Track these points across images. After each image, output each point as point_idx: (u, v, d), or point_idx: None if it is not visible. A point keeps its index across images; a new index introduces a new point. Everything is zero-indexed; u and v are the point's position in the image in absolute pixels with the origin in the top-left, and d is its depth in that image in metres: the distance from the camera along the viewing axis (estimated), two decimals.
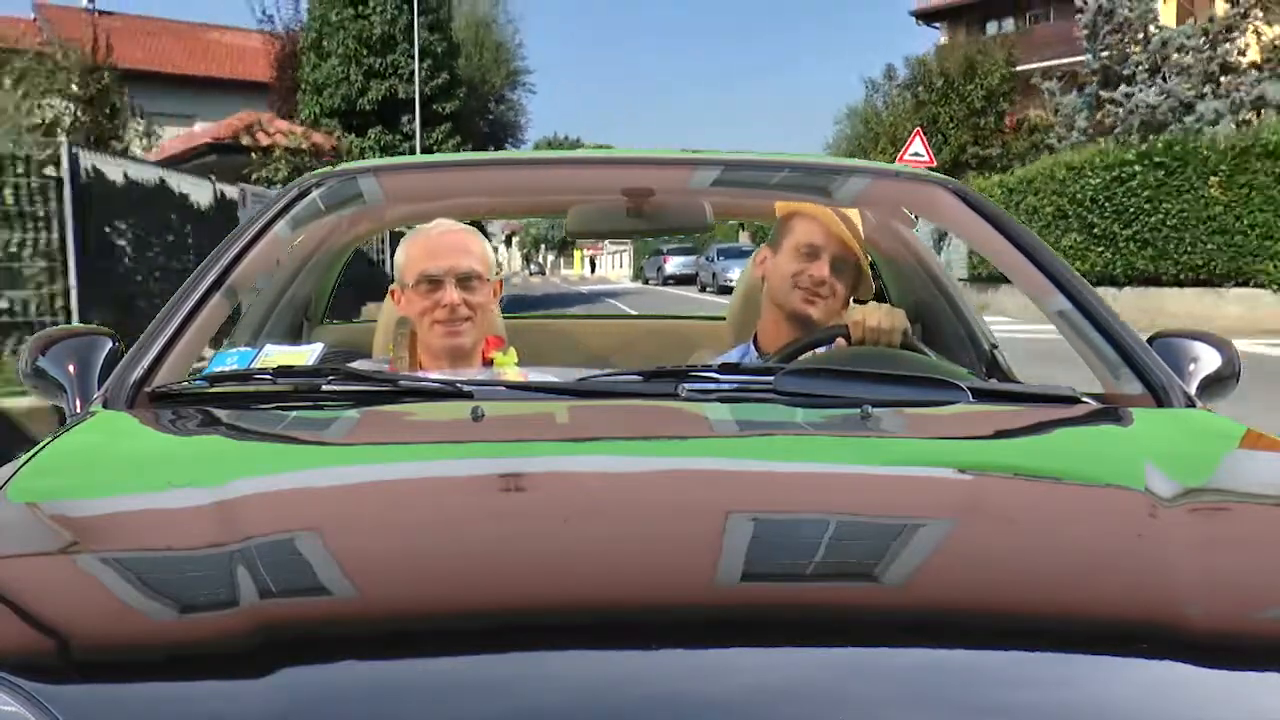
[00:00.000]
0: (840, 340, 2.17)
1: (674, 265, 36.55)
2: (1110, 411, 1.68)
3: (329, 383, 1.66)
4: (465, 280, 2.12)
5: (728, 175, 2.63)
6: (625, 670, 0.92)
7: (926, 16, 40.06)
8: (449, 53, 25.24)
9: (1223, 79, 22.38)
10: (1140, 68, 23.17)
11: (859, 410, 1.57)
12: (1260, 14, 22.00)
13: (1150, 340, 1.91)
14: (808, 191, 2.55)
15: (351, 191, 2.44)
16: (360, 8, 23.07)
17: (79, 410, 1.78)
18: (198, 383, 1.72)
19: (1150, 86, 22.70)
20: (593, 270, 55.23)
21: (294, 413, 1.65)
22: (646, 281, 39.74)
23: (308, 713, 0.87)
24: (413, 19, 22.98)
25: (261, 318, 2.64)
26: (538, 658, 0.95)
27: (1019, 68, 31.84)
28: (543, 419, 1.63)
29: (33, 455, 1.43)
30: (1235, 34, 22.54)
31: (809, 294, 2.31)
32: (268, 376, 1.70)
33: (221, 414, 1.62)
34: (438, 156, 2.79)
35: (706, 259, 31.84)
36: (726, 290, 27.97)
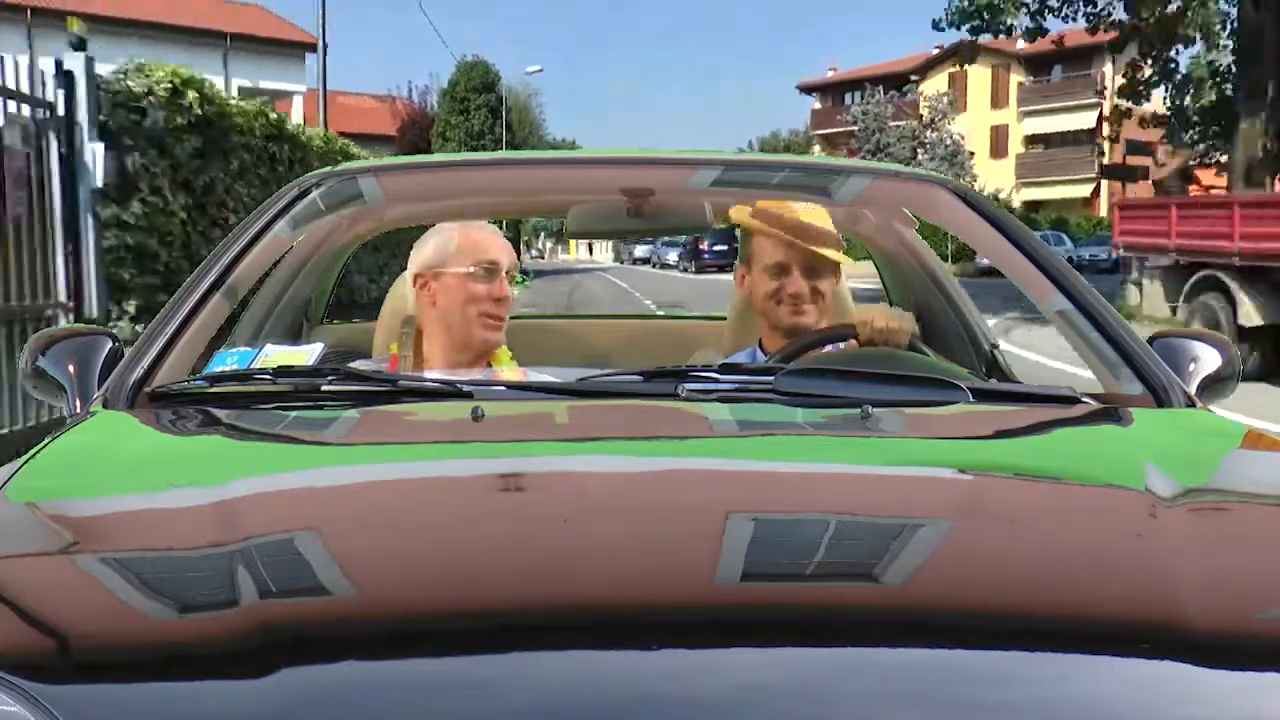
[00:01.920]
0: (852, 341, 2.17)
1: (640, 251, 54.39)
2: (1110, 411, 1.68)
3: (329, 383, 1.66)
4: (510, 275, 2.17)
5: (728, 175, 2.63)
6: (624, 670, 0.92)
7: (806, 89, 64.63)
8: (511, 138, 42.95)
9: (912, 161, 41.46)
10: (868, 151, 44.54)
11: (859, 410, 1.57)
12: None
13: (1150, 340, 1.91)
14: (808, 191, 2.55)
15: (351, 191, 2.44)
16: (466, 116, 40.59)
17: (79, 410, 1.78)
18: (198, 383, 1.72)
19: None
20: (590, 253, 70.62)
21: (294, 413, 1.65)
22: (622, 262, 58.31)
23: (307, 712, 0.87)
24: (494, 122, 40.90)
25: (261, 318, 2.64)
26: (538, 658, 0.95)
27: (834, 130, 57.70)
28: (543, 419, 1.63)
29: (32, 455, 1.43)
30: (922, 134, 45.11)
31: (793, 308, 2.32)
32: (268, 376, 1.70)
33: (221, 414, 1.62)
34: (438, 156, 2.78)
35: (656, 246, 48.78)
36: (667, 265, 46.12)
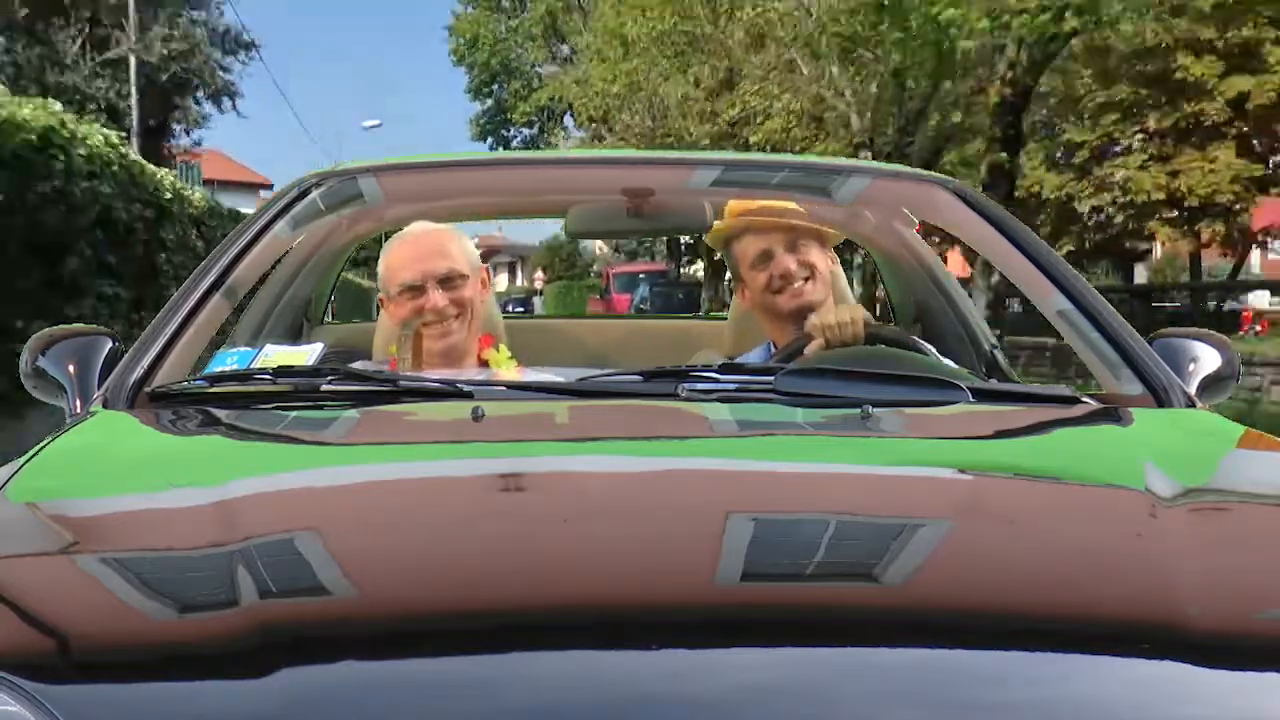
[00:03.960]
0: (812, 346, 2.15)
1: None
2: (1110, 411, 1.68)
3: (329, 383, 1.66)
4: (447, 280, 2.13)
5: (728, 175, 2.63)
6: (624, 670, 0.92)
7: None
8: None
9: None
10: None
11: (859, 410, 1.56)
12: None
13: (1150, 340, 1.91)
14: (807, 191, 2.55)
15: (351, 191, 2.44)
16: None
17: (79, 410, 1.78)
18: (198, 383, 1.72)
19: None
20: None
21: (294, 413, 1.65)
22: None
23: (308, 712, 0.87)
24: None
25: (261, 318, 2.64)
26: (538, 658, 0.95)
27: None
28: (543, 419, 1.63)
29: (33, 455, 1.43)
30: None
31: (789, 291, 2.28)
32: (268, 376, 1.70)
33: (221, 414, 1.62)
34: (437, 156, 2.78)
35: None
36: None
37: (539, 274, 52.41)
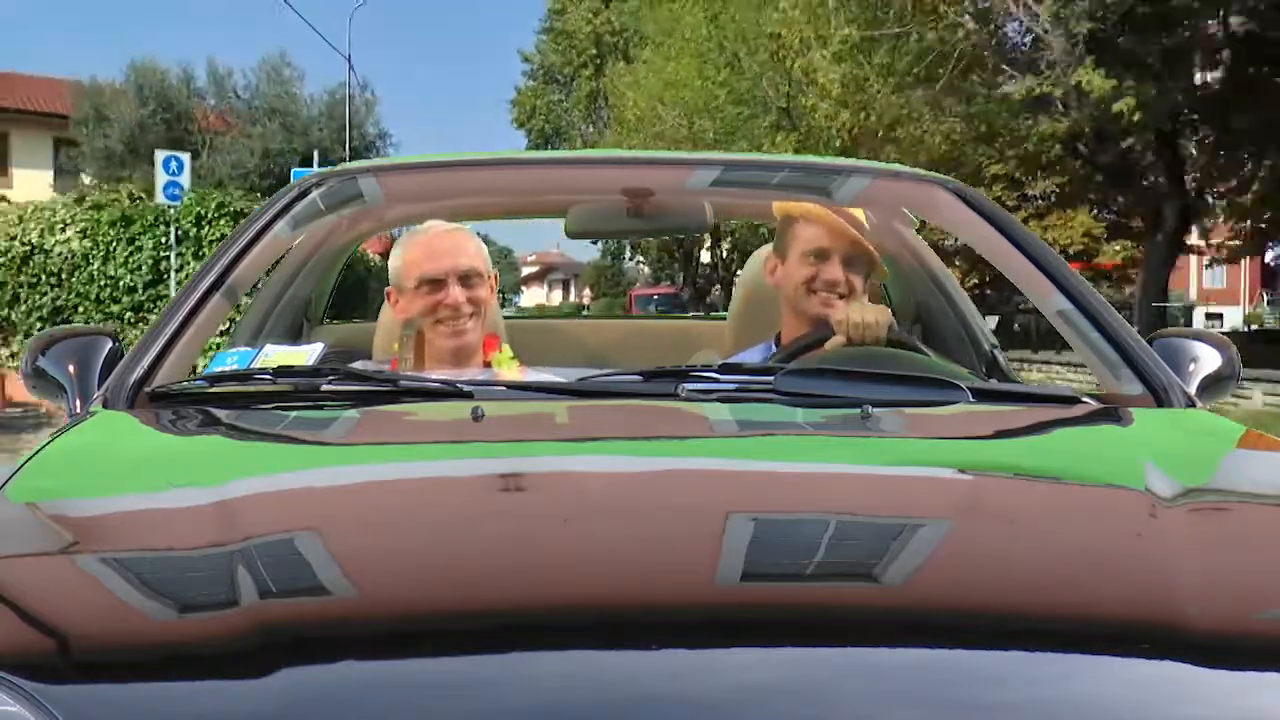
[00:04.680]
0: (833, 341, 2.16)
1: None
2: (1110, 411, 1.68)
3: (329, 383, 1.66)
4: (466, 278, 2.14)
5: (728, 175, 2.63)
6: (624, 670, 0.92)
7: None
8: None
9: None
10: None
11: (859, 410, 1.56)
12: None
13: (1150, 340, 1.91)
14: (808, 191, 2.55)
15: (351, 191, 2.44)
16: None
17: (79, 410, 1.78)
18: (198, 383, 1.72)
19: None
20: None
21: (294, 413, 1.65)
22: None
23: (307, 712, 0.87)
24: None
25: (261, 318, 2.64)
26: (538, 658, 0.95)
27: None
28: (543, 419, 1.63)
29: (33, 455, 1.43)
30: None
31: (823, 298, 2.29)
32: (268, 376, 1.70)
33: (221, 414, 1.62)
34: (437, 156, 2.78)
35: None
36: None
37: (587, 291, 57.10)
